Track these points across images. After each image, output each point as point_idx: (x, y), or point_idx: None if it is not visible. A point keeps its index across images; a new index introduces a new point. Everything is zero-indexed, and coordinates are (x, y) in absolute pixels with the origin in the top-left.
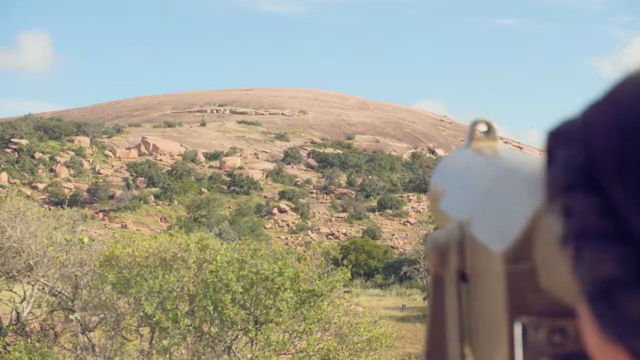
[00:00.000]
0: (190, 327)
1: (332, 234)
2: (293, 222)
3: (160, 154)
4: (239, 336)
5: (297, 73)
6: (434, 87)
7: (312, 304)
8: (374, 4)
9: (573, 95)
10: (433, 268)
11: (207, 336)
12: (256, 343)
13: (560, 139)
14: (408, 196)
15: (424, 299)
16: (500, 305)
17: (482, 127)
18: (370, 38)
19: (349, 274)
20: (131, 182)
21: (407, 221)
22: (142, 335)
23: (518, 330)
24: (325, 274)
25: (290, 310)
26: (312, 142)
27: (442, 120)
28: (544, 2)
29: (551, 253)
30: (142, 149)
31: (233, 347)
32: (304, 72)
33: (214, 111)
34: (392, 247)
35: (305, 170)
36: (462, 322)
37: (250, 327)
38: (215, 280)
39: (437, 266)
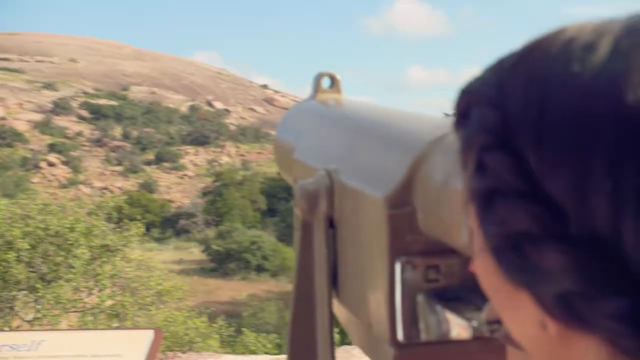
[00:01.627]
0: None
1: (106, 188)
2: (63, 176)
3: None
4: (18, 296)
5: (66, 18)
6: (209, 38)
7: (105, 259)
8: None
9: (345, 52)
10: (301, 215)
11: None
12: (42, 302)
13: (474, 99)
14: (186, 149)
15: (203, 251)
16: (381, 246)
17: (326, 81)
18: None
19: (143, 229)
20: None
21: (185, 174)
22: None
23: (398, 269)
24: (119, 229)
25: (83, 266)
26: (85, 93)
27: (220, 73)
28: None
29: (430, 198)
30: None
31: (15, 308)
32: (73, 18)
33: None
34: (169, 201)
35: (77, 122)
36: (330, 267)
37: (37, 285)
38: None
39: (306, 213)
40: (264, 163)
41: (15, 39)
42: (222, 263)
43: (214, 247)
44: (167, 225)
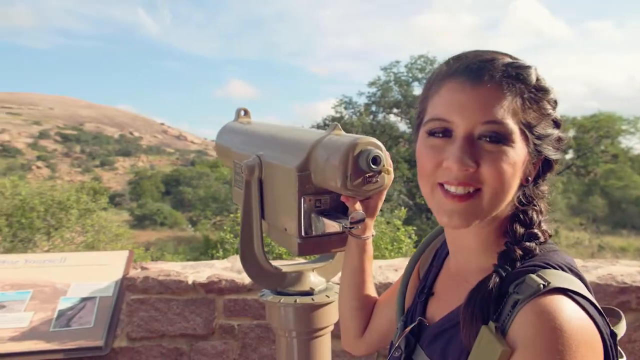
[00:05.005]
0: None
1: (71, 181)
2: (46, 175)
3: None
4: (36, 237)
5: (46, 82)
6: (127, 96)
7: (87, 216)
8: None
9: (205, 108)
10: (245, 178)
11: None
12: (52, 240)
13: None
14: (117, 159)
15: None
16: (294, 191)
17: (242, 112)
18: None
19: (107, 200)
20: None
21: (117, 173)
22: None
23: (302, 201)
24: (94, 200)
25: (74, 219)
26: (58, 127)
27: (136, 115)
28: None
29: (317, 167)
30: None
31: (37, 244)
32: (50, 82)
33: None
34: (109, 187)
35: (53, 143)
36: (260, 203)
37: (50, 230)
38: None
39: (248, 176)
40: (164, 166)
41: (16, 95)
42: (140, 220)
43: (136, 212)
44: (108, 200)
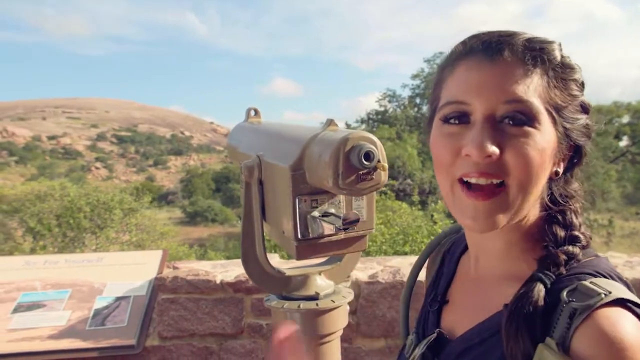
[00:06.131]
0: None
1: (127, 180)
2: (104, 175)
3: None
4: (84, 236)
5: (103, 87)
6: (178, 96)
7: (131, 215)
8: None
9: (246, 104)
10: (245, 179)
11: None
12: (99, 239)
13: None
14: (169, 158)
15: (182, 211)
16: (288, 192)
17: (252, 112)
18: None
19: (150, 199)
20: None
21: (170, 171)
22: (25, 240)
23: (296, 202)
24: (137, 199)
25: (119, 219)
26: (114, 129)
27: (187, 115)
28: None
29: (311, 166)
30: None
31: (85, 243)
32: (106, 87)
33: None
34: (162, 185)
35: (110, 145)
36: (262, 206)
37: (96, 230)
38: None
39: (247, 177)
40: (214, 164)
41: (76, 101)
42: (192, 217)
43: (188, 209)
44: (161, 198)
